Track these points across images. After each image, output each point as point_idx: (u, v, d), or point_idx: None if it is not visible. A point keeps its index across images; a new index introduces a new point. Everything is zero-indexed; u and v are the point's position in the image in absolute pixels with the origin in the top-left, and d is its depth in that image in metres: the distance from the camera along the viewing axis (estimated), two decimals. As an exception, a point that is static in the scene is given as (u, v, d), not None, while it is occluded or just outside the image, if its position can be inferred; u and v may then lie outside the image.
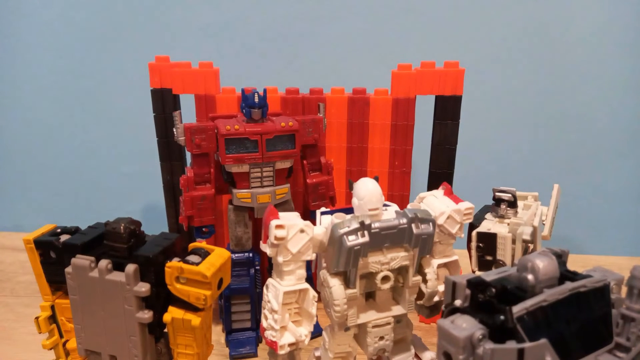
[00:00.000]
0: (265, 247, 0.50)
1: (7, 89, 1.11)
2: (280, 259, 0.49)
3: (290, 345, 0.51)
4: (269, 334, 0.51)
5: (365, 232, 0.47)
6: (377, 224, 0.48)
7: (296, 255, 0.49)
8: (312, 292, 0.51)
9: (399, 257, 0.50)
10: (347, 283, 0.49)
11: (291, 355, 0.53)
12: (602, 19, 0.98)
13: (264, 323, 0.52)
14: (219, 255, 0.49)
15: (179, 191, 0.71)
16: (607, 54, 1.00)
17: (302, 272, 0.51)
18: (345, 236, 0.46)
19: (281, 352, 0.50)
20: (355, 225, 0.47)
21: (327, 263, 0.50)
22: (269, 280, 0.52)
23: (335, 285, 0.48)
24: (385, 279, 0.50)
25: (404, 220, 0.49)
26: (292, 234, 0.49)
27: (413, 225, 0.49)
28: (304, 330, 0.52)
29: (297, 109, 0.78)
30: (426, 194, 0.57)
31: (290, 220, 0.49)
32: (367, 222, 0.47)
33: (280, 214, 0.50)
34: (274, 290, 0.51)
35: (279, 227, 0.48)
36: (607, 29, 0.99)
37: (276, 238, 0.48)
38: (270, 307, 0.51)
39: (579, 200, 1.08)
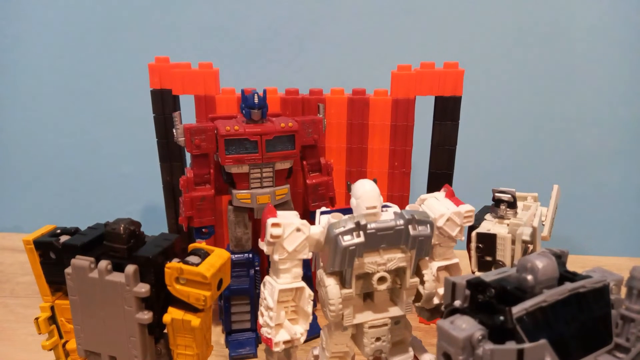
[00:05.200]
0: (263, 245, 0.50)
1: (7, 89, 1.11)
2: (276, 257, 0.50)
3: (285, 342, 0.51)
4: (264, 330, 0.51)
5: (361, 233, 0.47)
6: (373, 225, 0.48)
7: (292, 253, 0.49)
8: (308, 291, 0.51)
9: (395, 258, 0.50)
10: (343, 283, 0.49)
11: (287, 352, 0.54)
12: (602, 18, 0.98)
13: (260, 320, 0.52)
14: (219, 256, 0.49)
15: (179, 192, 0.71)
16: (607, 53, 1.00)
17: (299, 271, 0.51)
18: (340, 236, 0.46)
19: (276, 349, 0.51)
20: (350, 225, 0.47)
21: (324, 262, 0.50)
22: (266, 278, 0.52)
23: (330, 284, 0.48)
24: (381, 279, 0.50)
25: (401, 222, 0.48)
26: (288, 232, 0.49)
27: (410, 227, 0.49)
28: (300, 329, 0.52)
29: (296, 110, 0.78)
30: (427, 196, 0.57)
31: (287, 218, 0.49)
32: (362, 222, 0.47)
33: (278, 212, 0.50)
34: (270, 288, 0.51)
35: (275, 225, 0.48)
36: (607, 29, 0.99)
37: (272, 236, 0.48)
38: (266, 304, 0.51)
39: (578, 200, 1.08)
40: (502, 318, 0.33)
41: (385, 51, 1.02)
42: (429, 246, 0.52)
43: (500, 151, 1.08)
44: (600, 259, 1.03)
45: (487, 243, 0.61)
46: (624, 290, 0.41)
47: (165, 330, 0.50)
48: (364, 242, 0.47)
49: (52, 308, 0.54)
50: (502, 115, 1.06)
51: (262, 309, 0.52)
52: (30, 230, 0.53)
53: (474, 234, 0.62)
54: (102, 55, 1.07)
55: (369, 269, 0.49)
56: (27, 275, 0.95)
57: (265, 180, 0.69)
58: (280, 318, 0.51)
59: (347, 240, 0.46)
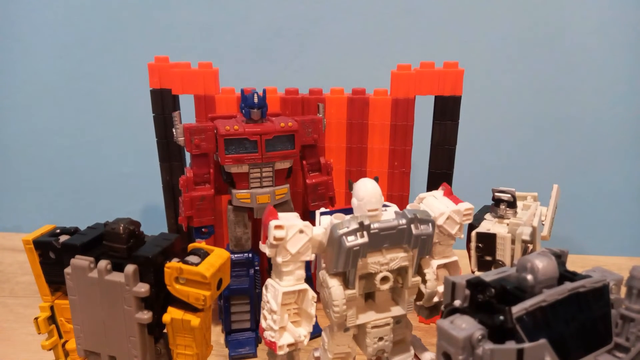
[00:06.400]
0: (264, 248, 0.50)
1: (7, 89, 1.11)
2: (279, 260, 0.49)
3: (289, 345, 0.51)
4: (268, 334, 0.51)
5: (365, 233, 0.47)
6: (376, 225, 0.48)
7: (295, 255, 0.49)
8: (311, 293, 0.51)
9: (398, 257, 0.50)
10: (346, 284, 0.49)
11: (290, 355, 0.53)
12: (602, 19, 0.98)
13: (263, 323, 0.52)
14: (219, 256, 0.49)
15: (179, 191, 0.71)
16: (607, 54, 1.00)
17: (301, 273, 0.51)
18: (344, 237, 0.46)
19: (280, 352, 0.50)
20: (354, 225, 0.47)
21: (327, 264, 0.50)
22: (268, 281, 0.52)
23: (334, 285, 0.48)
24: (384, 279, 0.50)
25: (403, 221, 0.49)
26: (291, 234, 0.48)
27: (412, 226, 0.49)
28: (303, 331, 0.52)
29: (296, 110, 0.78)
30: (426, 195, 0.57)
31: (290, 220, 0.49)
32: (366, 222, 0.47)
33: (280, 214, 0.50)
34: (273, 291, 0.51)
35: (278, 227, 0.48)
36: (607, 29, 0.99)
37: (275, 238, 0.48)
38: (269, 307, 0.51)
39: (578, 200, 1.08)
40: (502, 318, 0.33)
41: (385, 51, 1.02)
42: (431, 245, 0.52)
43: (500, 151, 1.08)
44: (600, 258, 1.04)
45: (487, 243, 0.61)
46: (623, 289, 0.41)
47: (165, 330, 0.50)
48: (368, 242, 0.47)
49: (51, 308, 0.54)
50: (502, 115, 1.06)
51: (264, 312, 0.52)
52: (30, 230, 0.53)
53: (473, 233, 0.61)
54: (102, 55, 1.07)
55: (372, 269, 0.49)
56: (26, 275, 0.94)
57: (265, 180, 0.69)
58: (284, 321, 0.51)
59: (351, 241, 0.46)
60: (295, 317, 0.52)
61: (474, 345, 0.33)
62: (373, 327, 0.51)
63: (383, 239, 0.48)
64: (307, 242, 0.49)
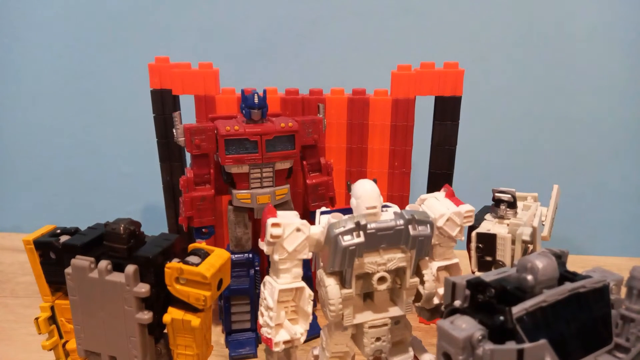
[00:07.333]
0: (263, 245, 0.50)
1: (7, 89, 1.11)
2: (276, 257, 0.50)
3: (285, 342, 0.51)
4: (264, 330, 0.51)
5: (361, 233, 0.47)
6: (373, 225, 0.48)
7: (292, 253, 0.50)
8: (308, 291, 0.51)
9: (395, 258, 0.50)
10: (343, 283, 0.49)
11: (287, 352, 0.54)
12: (602, 19, 0.98)
13: (260, 320, 0.52)
14: (219, 256, 0.49)
15: (179, 192, 0.71)
16: (607, 54, 1.00)
17: (299, 271, 0.51)
18: (340, 236, 0.46)
19: (276, 349, 0.51)
20: (350, 225, 0.47)
21: (324, 262, 0.50)
22: (266, 278, 0.53)
23: (330, 284, 0.48)
24: (381, 279, 0.50)
25: (401, 222, 0.49)
26: (288, 232, 0.49)
27: (410, 227, 0.49)
28: (300, 329, 0.52)
29: (296, 110, 0.78)
30: (427, 196, 0.57)
31: (287, 218, 0.49)
32: (362, 222, 0.47)
33: (278, 212, 0.50)
34: (270, 288, 0.51)
35: (275, 225, 0.48)
36: (607, 29, 0.99)
37: (272, 236, 0.48)
38: (266, 304, 0.51)
39: (578, 200, 1.08)
40: (502, 318, 0.33)
41: (385, 51, 1.02)
42: (429, 246, 0.52)
43: (500, 151, 1.08)
44: (600, 258, 1.04)
45: (487, 243, 0.61)
46: (624, 290, 0.41)
47: (165, 330, 0.50)
48: (364, 242, 0.47)
49: (52, 308, 0.54)
50: (502, 115, 1.06)
51: (262, 309, 0.52)
52: (30, 230, 0.53)
53: (474, 234, 0.61)
54: (102, 55, 1.07)
55: (369, 269, 0.49)
56: (27, 275, 0.94)
57: (265, 180, 0.69)
58: (280, 318, 0.51)
59: (347, 240, 0.46)
60: (292, 314, 0.52)
61: (474, 346, 0.33)
62: (370, 327, 0.52)
63: (380, 239, 0.48)
64: (304, 241, 0.49)
